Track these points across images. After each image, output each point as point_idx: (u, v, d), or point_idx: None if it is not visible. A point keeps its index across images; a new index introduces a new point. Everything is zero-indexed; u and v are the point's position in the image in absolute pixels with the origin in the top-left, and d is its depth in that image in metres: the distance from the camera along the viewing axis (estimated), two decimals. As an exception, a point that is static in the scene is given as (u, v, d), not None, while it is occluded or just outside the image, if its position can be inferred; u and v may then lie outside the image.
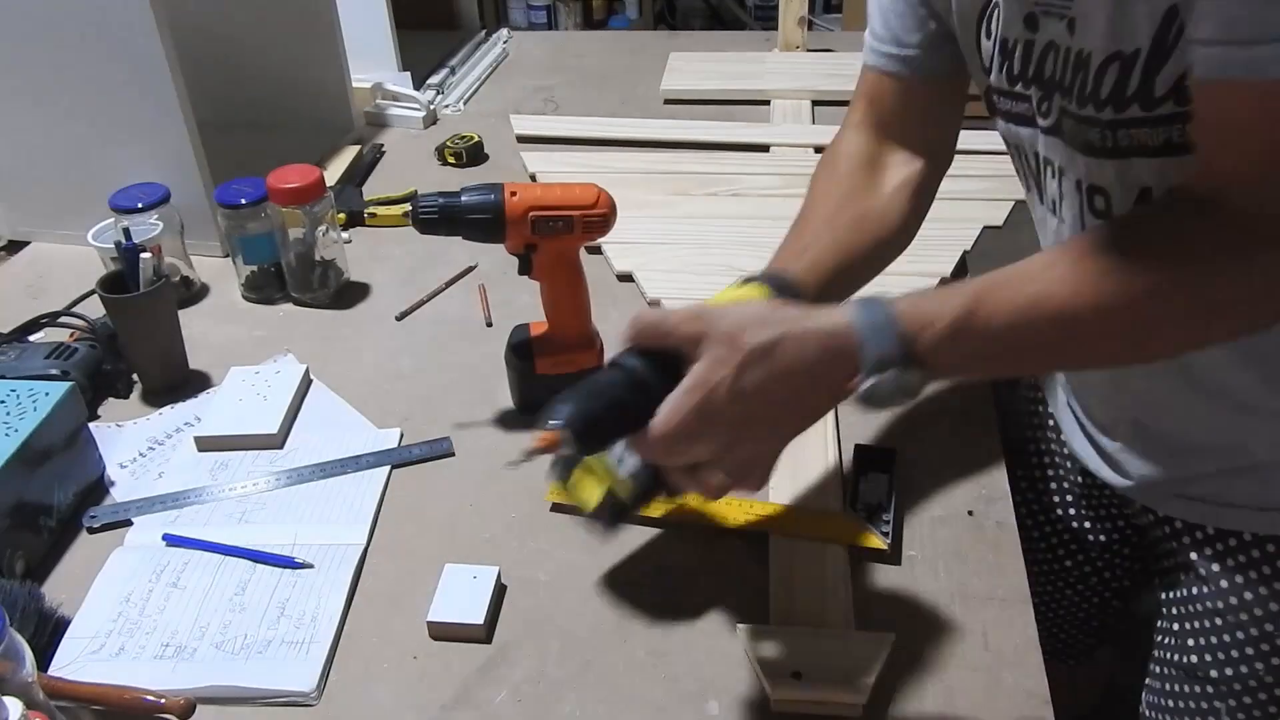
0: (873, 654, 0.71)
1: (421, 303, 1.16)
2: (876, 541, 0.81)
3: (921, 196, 0.85)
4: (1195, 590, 0.86)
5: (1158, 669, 0.92)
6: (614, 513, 0.73)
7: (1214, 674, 0.85)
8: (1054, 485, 1.04)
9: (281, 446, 0.96)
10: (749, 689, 0.72)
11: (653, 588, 0.80)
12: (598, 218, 0.90)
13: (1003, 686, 0.71)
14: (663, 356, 0.64)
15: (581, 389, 0.64)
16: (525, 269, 0.92)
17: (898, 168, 0.85)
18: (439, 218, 0.88)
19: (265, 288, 1.17)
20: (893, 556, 0.81)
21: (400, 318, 1.14)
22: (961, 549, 0.82)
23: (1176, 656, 0.89)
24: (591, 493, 0.74)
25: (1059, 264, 0.63)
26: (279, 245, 1.13)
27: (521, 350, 0.96)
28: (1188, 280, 0.59)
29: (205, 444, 0.95)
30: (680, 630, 0.77)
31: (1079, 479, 1.01)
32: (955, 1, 0.77)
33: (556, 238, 0.90)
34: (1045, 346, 0.64)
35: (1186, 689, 0.88)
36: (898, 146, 0.85)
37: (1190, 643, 0.87)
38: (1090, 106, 0.66)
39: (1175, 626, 0.89)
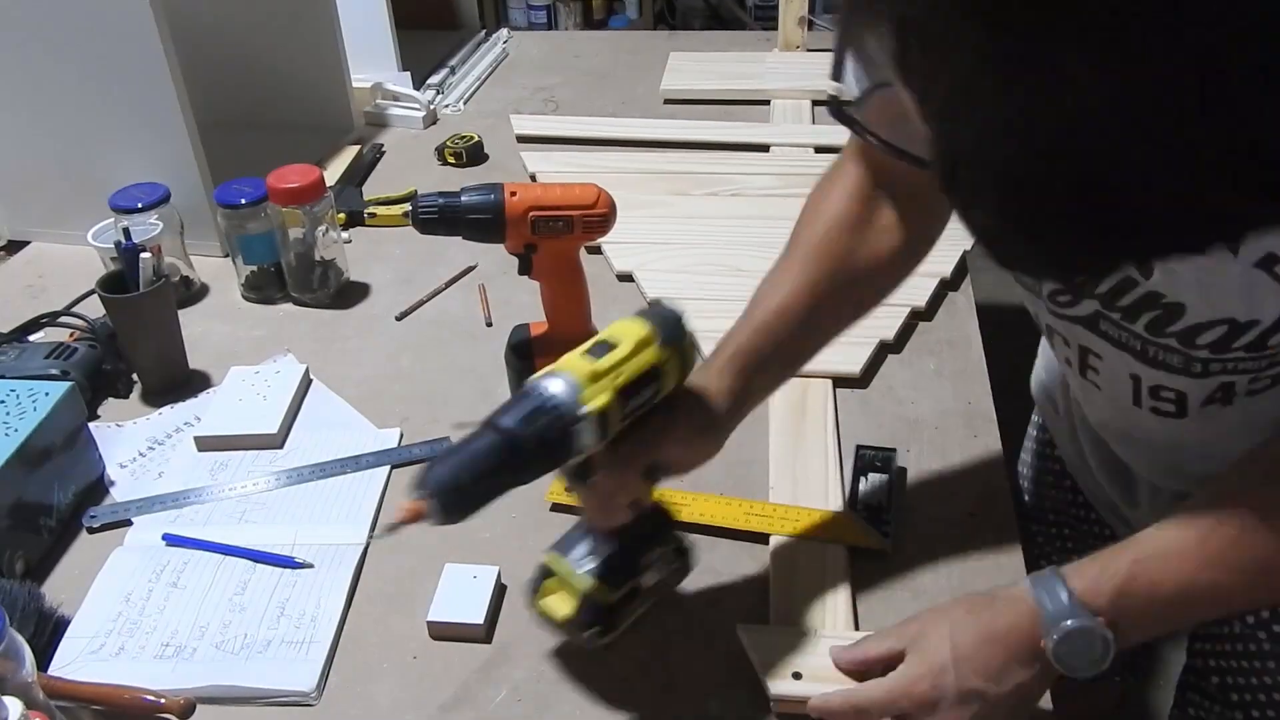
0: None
1: (421, 303, 1.16)
2: (876, 542, 0.81)
3: (915, 238, 0.77)
4: (1228, 628, 0.86)
5: (1189, 694, 0.92)
6: (591, 620, 0.70)
7: (1247, 697, 0.85)
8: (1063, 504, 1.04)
9: (281, 446, 0.96)
10: (749, 689, 0.72)
11: (653, 588, 0.80)
12: (597, 218, 0.90)
13: (1003, 686, 0.71)
14: (544, 421, 0.60)
15: (452, 455, 0.60)
16: (525, 269, 0.92)
17: (891, 207, 0.76)
18: (439, 218, 0.88)
19: (265, 288, 1.17)
20: (893, 556, 0.81)
21: (400, 318, 1.14)
22: (961, 549, 0.82)
23: (1209, 680, 0.89)
24: (562, 604, 0.71)
25: (1197, 544, 0.61)
26: (279, 245, 1.13)
27: (521, 350, 0.96)
28: None
29: (205, 444, 0.95)
30: (680, 630, 0.77)
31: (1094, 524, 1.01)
32: None
33: (556, 238, 0.90)
34: (1210, 610, 0.67)
35: (1218, 711, 0.88)
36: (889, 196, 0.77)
37: (1221, 665, 0.87)
38: (1173, 340, 0.63)
39: (1206, 648, 0.89)
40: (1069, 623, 0.61)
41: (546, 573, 0.72)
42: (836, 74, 0.48)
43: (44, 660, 0.73)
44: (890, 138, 0.50)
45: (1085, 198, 0.39)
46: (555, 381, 0.61)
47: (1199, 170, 0.37)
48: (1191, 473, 0.76)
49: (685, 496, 0.86)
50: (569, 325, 0.96)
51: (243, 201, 1.12)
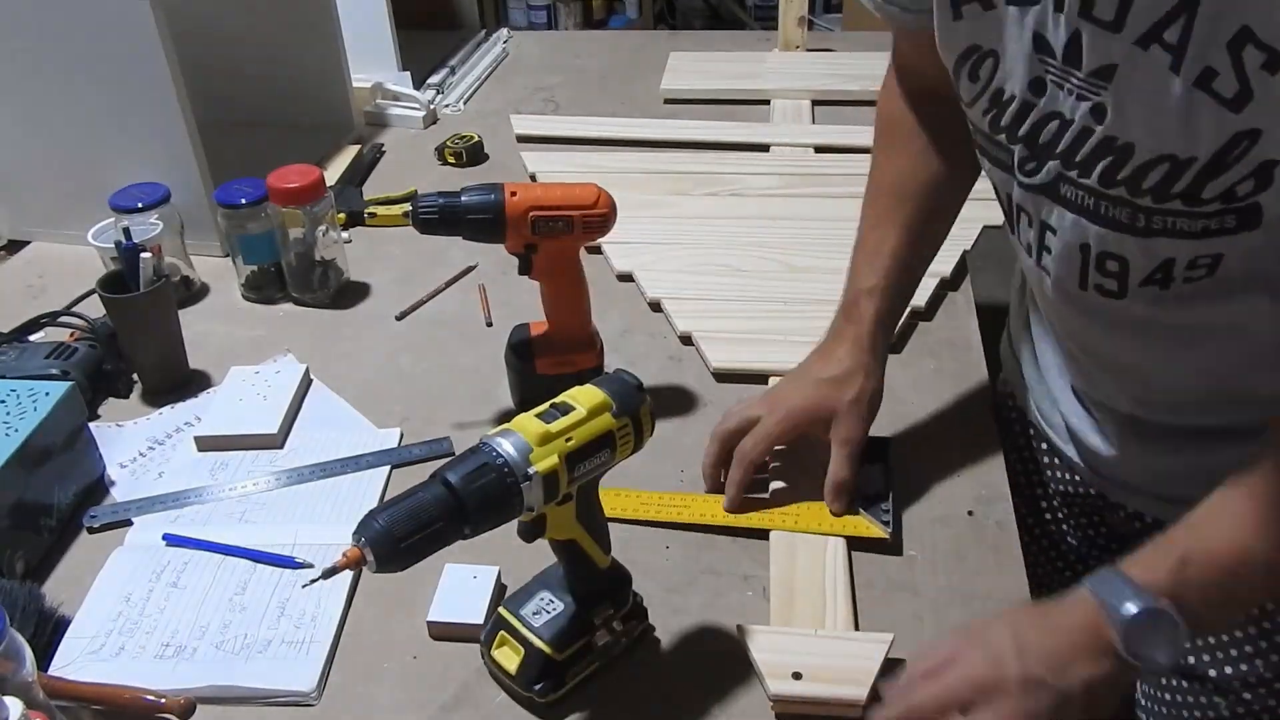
0: (872, 654, 0.71)
1: (421, 302, 1.16)
2: (877, 531, 0.81)
3: (963, 159, 0.85)
4: None
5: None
6: (537, 676, 0.70)
7: (1211, 673, 0.85)
8: (1040, 492, 1.04)
9: (281, 446, 0.96)
10: (749, 689, 0.72)
11: (652, 587, 0.80)
12: (597, 218, 0.90)
13: (1003, 686, 0.71)
14: (491, 479, 0.61)
15: (396, 503, 0.60)
16: (525, 269, 0.92)
17: (941, 121, 0.86)
18: (439, 217, 0.88)
19: (265, 287, 1.17)
20: (894, 547, 0.81)
21: (400, 318, 1.14)
22: (961, 549, 0.82)
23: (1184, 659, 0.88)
24: (511, 657, 0.71)
25: (1248, 509, 0.63)
26: (279, 245, 1.13)
27: (521, 350, 0.96)
28: None
29: (205, 444, 0.95)
30: (680, 629, 0.77)
31: (1065, 487, 1.00)
32: (936, 29, 0.73)
33: (556, 238, 0.90)
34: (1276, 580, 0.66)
35: (1184, 685, 0.88)
36: (931, 96, 0.85)
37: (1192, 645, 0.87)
38: (1122, 189, 0.65)
39: None
40: (1130, 606, 0.61)
41: (501, 623, 0.72)
42: None
43: (44, 660, 0.74)
44: None
45: None
46: (506, 440, 0.63)
47: None
48: (1138, 394, 0.80)
49: (685, 498, 0.86)
50: (569, 326, 0.96)
51: (243, 201, 1.12)
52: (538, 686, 0.70)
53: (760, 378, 1.01)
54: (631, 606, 0.74)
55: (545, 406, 0.66)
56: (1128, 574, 0.63)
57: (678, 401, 0.99)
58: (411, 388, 1.03)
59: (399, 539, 0.59)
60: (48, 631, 0.76)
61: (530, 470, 0.62)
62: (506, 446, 0.63)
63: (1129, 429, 0.83)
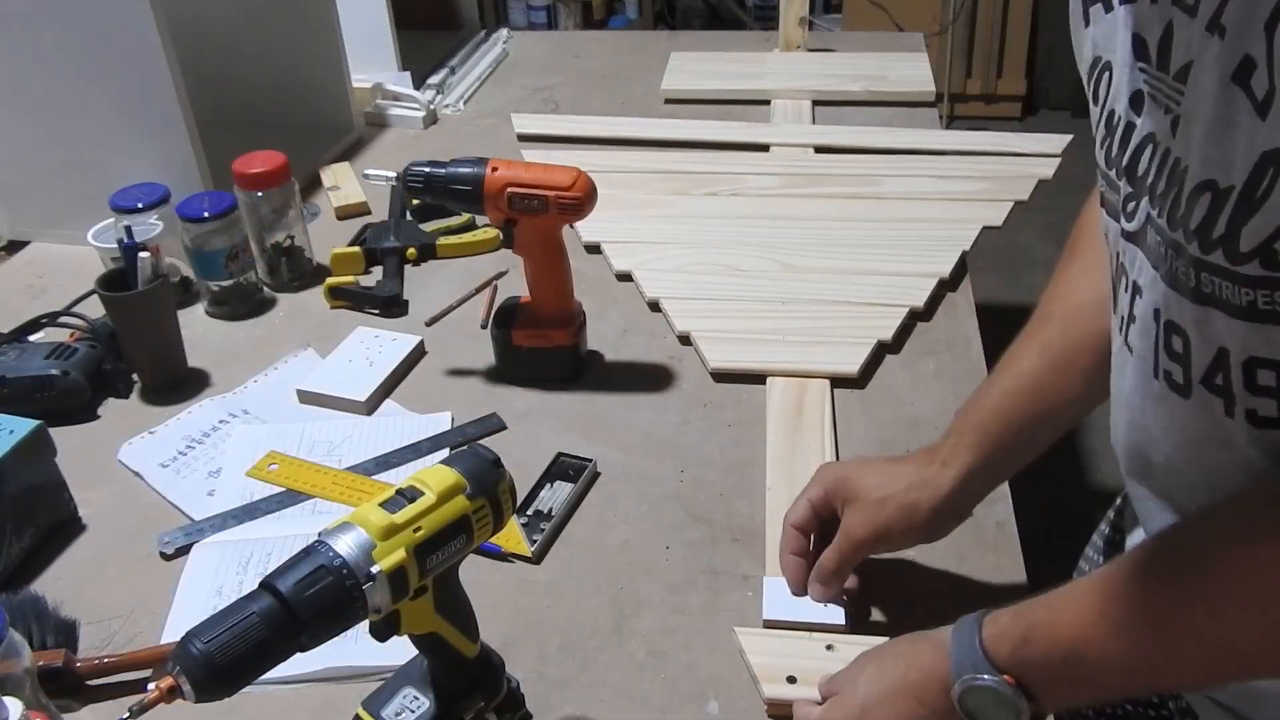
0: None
1: (451, 308, 1.15)
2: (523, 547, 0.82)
3: None
4: None
5: None
6: None
7: None
8: None
9: (369, 414, 0.99)
10: (749, 689, 0.72)
11: (653, 587, 0.80)
12: (572, 200, 0.93)
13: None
14: (327, 584, 0.54)
15: (218, 621, 0.52)
16: (508, 242, 0.97)
17: None
18: (424, 185, 0.95)
19: (229, 302, 1.14)
20: (892, 558, 0.80)
21: (430, 323, 1.12)
22: (961, 549, 0.82)
23: None
24: None
25: (1099, 599, 0.57)
26: (247, 232, 1.13)
27: (502, 319, 1.00)
28: (1198, 628, 0.53)
29: (305, 398, 1.01)
30: (680, 630, 0.77)
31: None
32: (1081, 46, 0.61)
33: (534, 215, 0.94)
34: (1116, 678, 0.58)
35: None
36: None
37: None
38: (1180, 232, 0.53)
39: None
40: (968, 677, 0.59)
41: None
42: None
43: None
44: None
45: None
46: (344, 538, 0.56)
47: None
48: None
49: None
50: (548, 301, 1.00)
51: (205, 215, 1.08)
52: None
53: (758, 378, 1.01)
54: (506, 695, 0.68)
55: (391, 493, 0.59)
56: (983, 636, 0.60)
57: (677, 402, 0.99)
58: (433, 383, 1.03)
59: (221, 664, 0.51)
60: (62, 631, 0.75)
61: (373, 569, 0.56)
62: (345, 544, 0.56)
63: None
